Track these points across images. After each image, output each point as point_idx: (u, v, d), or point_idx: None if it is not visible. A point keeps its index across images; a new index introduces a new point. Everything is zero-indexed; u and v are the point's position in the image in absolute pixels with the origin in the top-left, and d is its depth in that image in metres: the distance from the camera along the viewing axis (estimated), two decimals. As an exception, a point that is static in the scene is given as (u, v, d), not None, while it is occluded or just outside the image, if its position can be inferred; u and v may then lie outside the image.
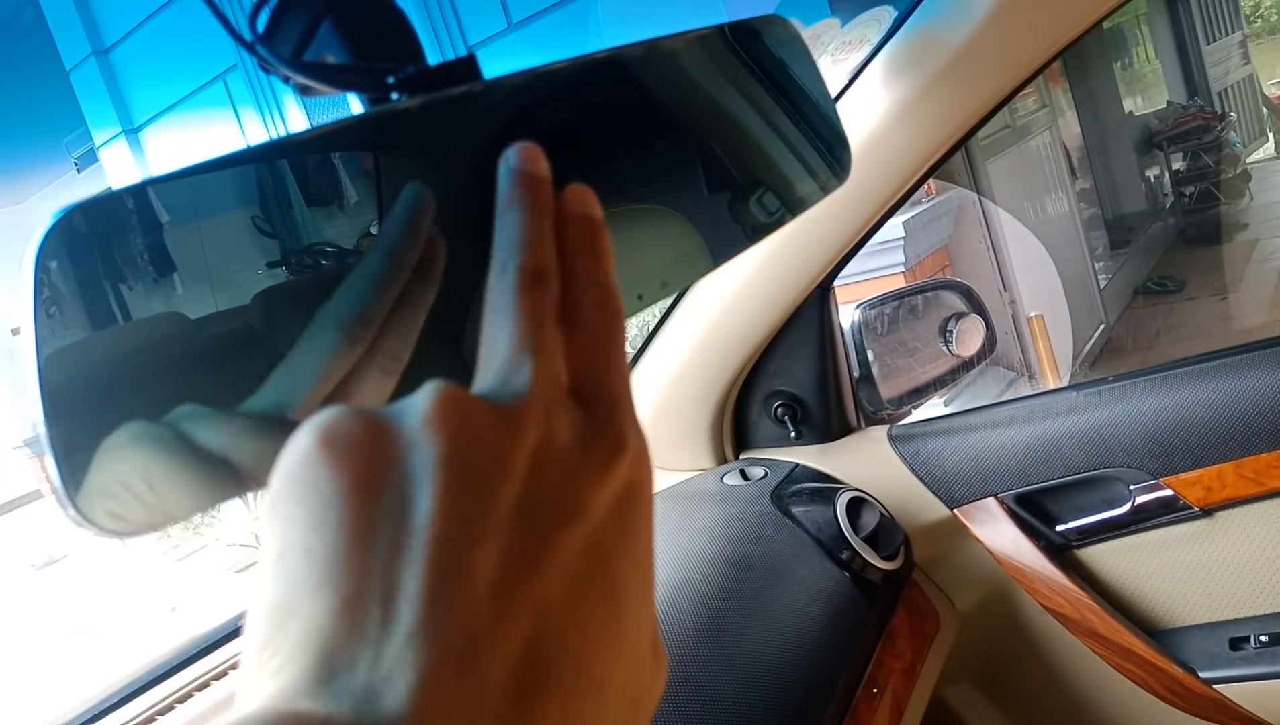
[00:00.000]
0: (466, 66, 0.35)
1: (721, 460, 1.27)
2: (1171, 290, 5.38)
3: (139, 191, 0.32)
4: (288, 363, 0.32)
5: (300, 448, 0.24)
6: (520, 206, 0.29)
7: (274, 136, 0.34)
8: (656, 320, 1.26)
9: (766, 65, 0.58)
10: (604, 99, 0.49)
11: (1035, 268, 4.17)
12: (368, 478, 0.23)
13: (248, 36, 0.35)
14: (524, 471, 0.24)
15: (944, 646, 1.11)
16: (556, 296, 0.28)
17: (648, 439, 0.28)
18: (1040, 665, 1.14)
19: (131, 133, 8.91)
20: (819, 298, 1.17)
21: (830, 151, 0.59)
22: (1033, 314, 3.83)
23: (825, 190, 0.59)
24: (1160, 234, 6.27)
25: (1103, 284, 5.10)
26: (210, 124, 8.00)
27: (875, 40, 0.97)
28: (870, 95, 0.95)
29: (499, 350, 0.26)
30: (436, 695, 0.22)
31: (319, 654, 0.22)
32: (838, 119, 0.59)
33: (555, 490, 0.25)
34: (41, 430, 0.26)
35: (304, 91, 0.37)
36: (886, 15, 3.30)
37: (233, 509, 5.21)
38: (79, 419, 0.27)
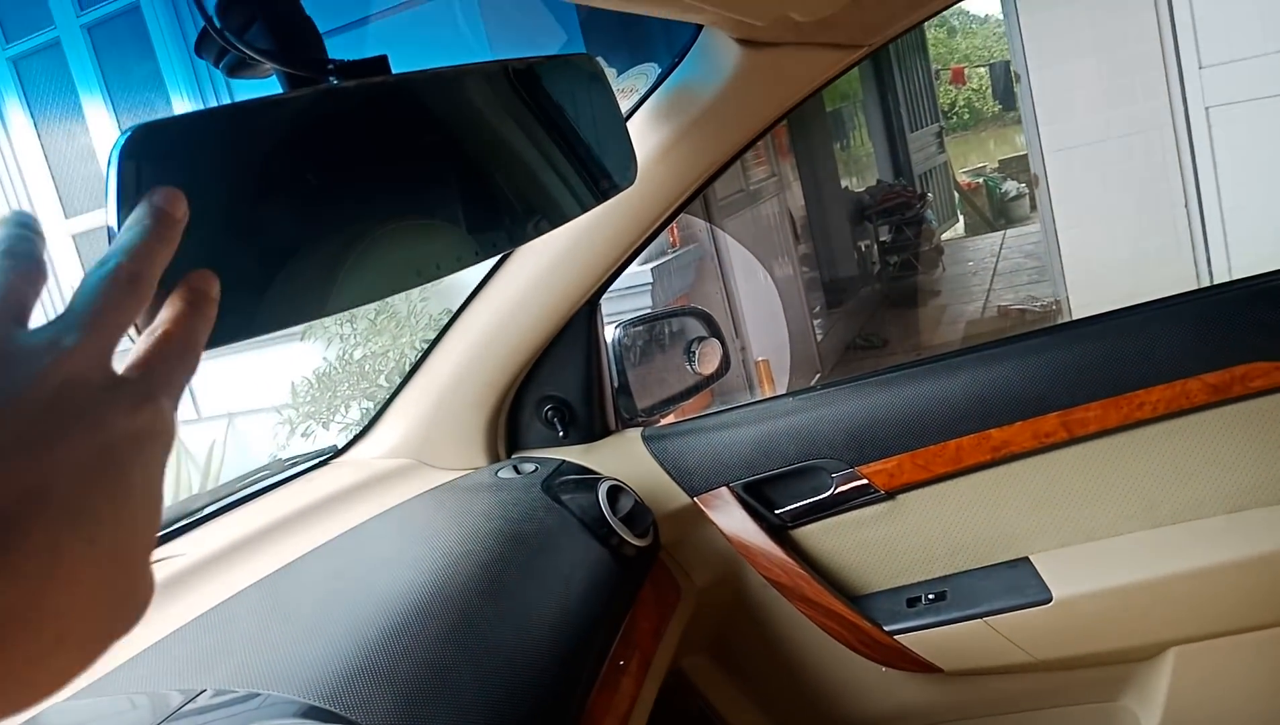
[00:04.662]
0: (381, 63, 0.48)
1: (495, 459, 1.39)
2: (876, 346, 6.06)
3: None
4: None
5: None
6: (145, 228, 0.37)
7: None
8: (438, 332, 1.38)
9: (569, 92, 0.73)
10: (449, 106, 0.62)
11: (762, 319, 4.61)
12: None
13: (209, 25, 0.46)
14: (56, 387, 0.33)
15: (684, 616, 1.28)
16: (143, 302, 0.36)
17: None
18: (762, 631, 1.34)
19: None
20: (587, 313, 1.33)
21: (620, 162, 0.75)
22: (760, 359, 4.23)
23: (613, 194, 0.75)
24: (869, 296, 7.04)
25: (820, 338, 5.67)
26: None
27: (642, 90, 1.16)
28: (636, 136, 1.13)
29: (71, 309, 0.35)
30: None
31: None
32: (628, 137, 0.76)
33: (79, 405, 0.33)
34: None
35: (234, 70, 0.49)
36: (652, 70, 3.64)
37: None
38: None
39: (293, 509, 1.26)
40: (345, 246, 0.61)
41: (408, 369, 1.42)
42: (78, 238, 4.67)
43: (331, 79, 0.47)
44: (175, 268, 0.38)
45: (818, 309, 6.03)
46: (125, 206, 0.38)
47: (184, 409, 4.66)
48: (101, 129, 4.58)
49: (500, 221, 0.76)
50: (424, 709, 0.83)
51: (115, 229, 0.37)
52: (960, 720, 1.31)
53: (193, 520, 1.30)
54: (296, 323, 0.54)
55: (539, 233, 0.80)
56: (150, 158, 0.40)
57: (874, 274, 7.40)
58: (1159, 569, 1.13)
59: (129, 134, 0.39)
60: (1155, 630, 1.15)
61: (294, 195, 0.54)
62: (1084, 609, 1.16)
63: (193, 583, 1.08)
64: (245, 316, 0.51)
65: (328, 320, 4.46)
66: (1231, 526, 1.12)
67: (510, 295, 1.29)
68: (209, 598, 1.01)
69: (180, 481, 4.50)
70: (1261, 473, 1.12)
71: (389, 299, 4.55)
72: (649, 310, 3.81)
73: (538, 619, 1.02)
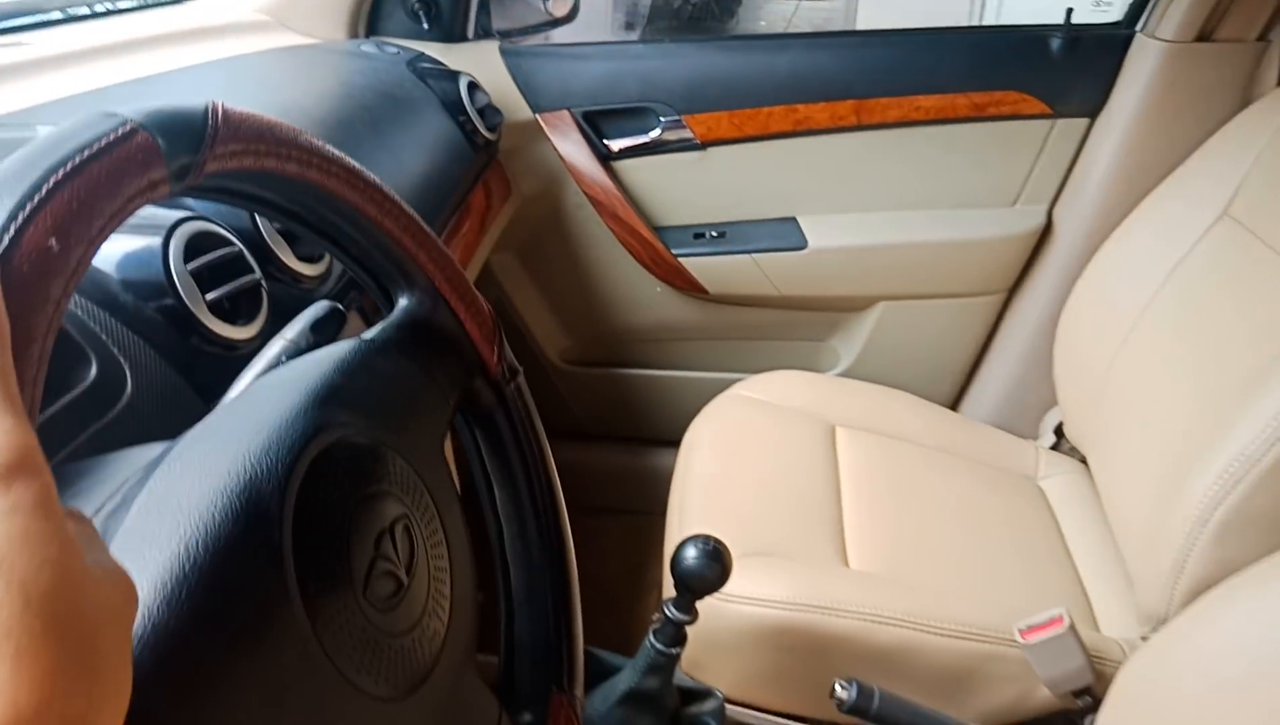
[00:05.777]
0: None
1: (355, 36, 1.47)
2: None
3: None
4: None
5: None
6: None
7: None
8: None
9: None
10: None
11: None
12: None
13: None
14: None
15: (508, 214, 1.47)
16: None
17: None
18: (568, 242, 1.57)
19: None
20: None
21: None
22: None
23: None
24: (661, 29, 7.11)
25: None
26: None
27: None
28: None
29: None
30: None
31: None
32: None
33: None
34: None
35: None
36: None
37: None
38: None
39: (159, 31, 1.28)
40: None
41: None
42: None
43: None
44: None
45: (611, 30, 6.04)
46: None
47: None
48: None
49: None
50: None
51: None
52: (709, 339, 1.63)
53: (39, 20, 1.28)
54: None
55: None
56: None
57: (672, 10, 7.43)
58: (891, 239, 1.45)
59: None
60: (874, 285, 1.49)
61: None
62: (827, 260, 1.47)
63: (64, 67, 1.10)
64: None
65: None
66: (954, 217, 1.45)
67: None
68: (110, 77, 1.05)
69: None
70: (989, 178, 1.44)
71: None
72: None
73: (409, 161, 1.17)
